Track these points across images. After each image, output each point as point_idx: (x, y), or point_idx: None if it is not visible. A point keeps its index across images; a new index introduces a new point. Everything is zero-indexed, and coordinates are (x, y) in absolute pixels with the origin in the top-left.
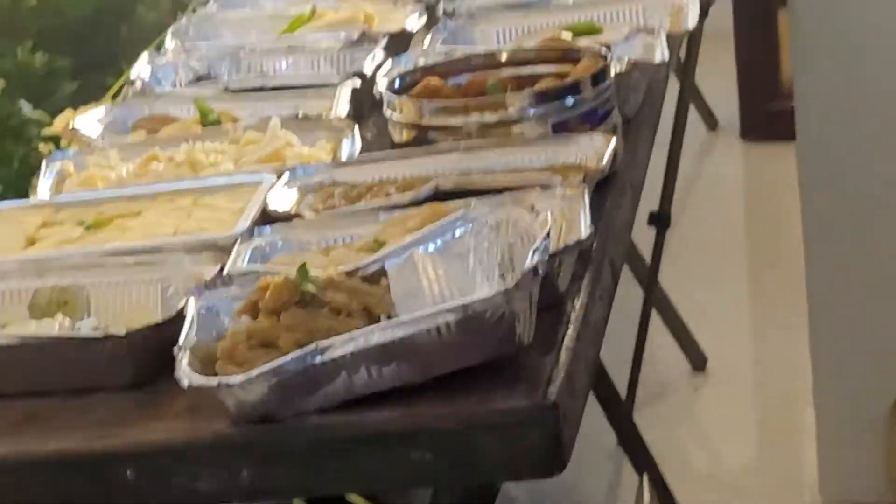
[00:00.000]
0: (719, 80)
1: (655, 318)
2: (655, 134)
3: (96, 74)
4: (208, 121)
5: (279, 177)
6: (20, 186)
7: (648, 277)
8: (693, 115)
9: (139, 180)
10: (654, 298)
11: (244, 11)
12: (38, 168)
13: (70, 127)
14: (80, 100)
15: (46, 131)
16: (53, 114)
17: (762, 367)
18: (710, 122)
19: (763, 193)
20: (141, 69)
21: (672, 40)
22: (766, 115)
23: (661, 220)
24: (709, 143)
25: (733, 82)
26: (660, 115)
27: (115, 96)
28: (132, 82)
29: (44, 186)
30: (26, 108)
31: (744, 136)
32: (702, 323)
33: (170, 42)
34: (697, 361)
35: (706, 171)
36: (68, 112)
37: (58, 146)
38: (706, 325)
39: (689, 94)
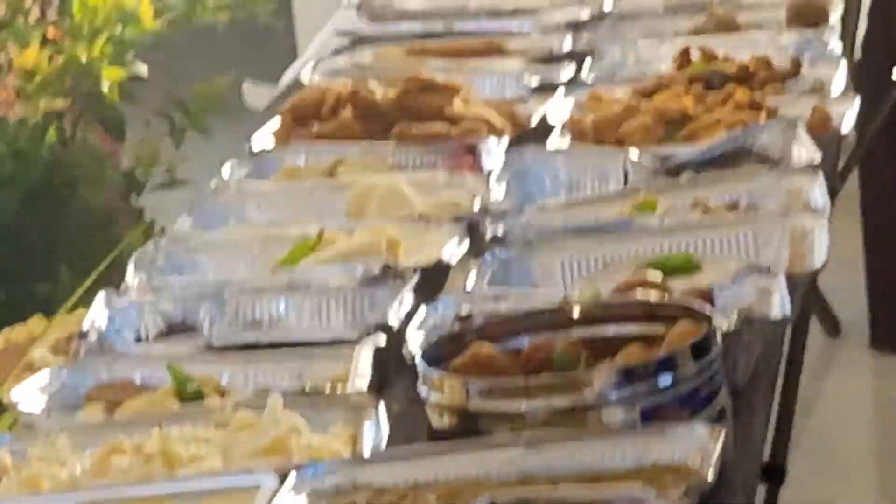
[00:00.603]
0: (841, 268)
1: None
2: (770, 409)
3: (26, 281)
4: (186, 394)
5: (283, 478)
6: None
7: None
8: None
9: (97, 480)
10: None
11: (228, 231)
12: None
13: None
14: (4, 318)
15: None
16: None
17: None
18: (831, 325)
19: None
20: (96, 315)
21: (794, 282)
22: None
23: (774, 473)
24: (829, 353)
25: (860, 273)
26: (775, 382)
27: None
28: (84, 334)
29: None
30: None
31: (875, 346)
32: None
33: (132, 276)
34: None
35: (825, 391)
36: None
37: None
38: None
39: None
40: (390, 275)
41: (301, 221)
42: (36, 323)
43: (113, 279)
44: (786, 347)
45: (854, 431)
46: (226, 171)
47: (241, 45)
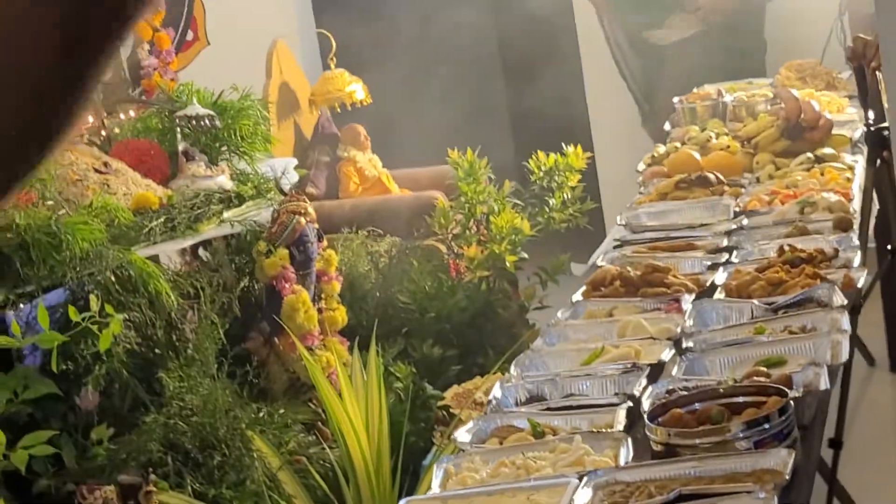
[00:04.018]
0: (874, 327)
1: None
2: (823, 433)
3: (472, 357)
4: (537, 433)
5: (581, 478)
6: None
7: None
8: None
9: (493, 480)
10: None
11: (560, 346)
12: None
13: (456, 395)
14: (463, 377)
15: (440, 402)
16: (444, 389)
17: None
18: (869, 359)
19: None
20: (496, 390)
21: (832, 370)
22: None
23: (836, 443)
24: (867, 376)
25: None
26: (825, 421)
27: (491, 373)
28: (489, 402)
29: (435, 482)
30: (428, 388)
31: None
32: None
33: (514, 369)
34: None
35: (866, 400)
36: (454, 387)
37: (447, 412)
38: None
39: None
40: (635, 369)
41: (595, 341)
42: (477, 380)
43: (513, 357)
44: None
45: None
46: (559, 313)
47: (571, 237)
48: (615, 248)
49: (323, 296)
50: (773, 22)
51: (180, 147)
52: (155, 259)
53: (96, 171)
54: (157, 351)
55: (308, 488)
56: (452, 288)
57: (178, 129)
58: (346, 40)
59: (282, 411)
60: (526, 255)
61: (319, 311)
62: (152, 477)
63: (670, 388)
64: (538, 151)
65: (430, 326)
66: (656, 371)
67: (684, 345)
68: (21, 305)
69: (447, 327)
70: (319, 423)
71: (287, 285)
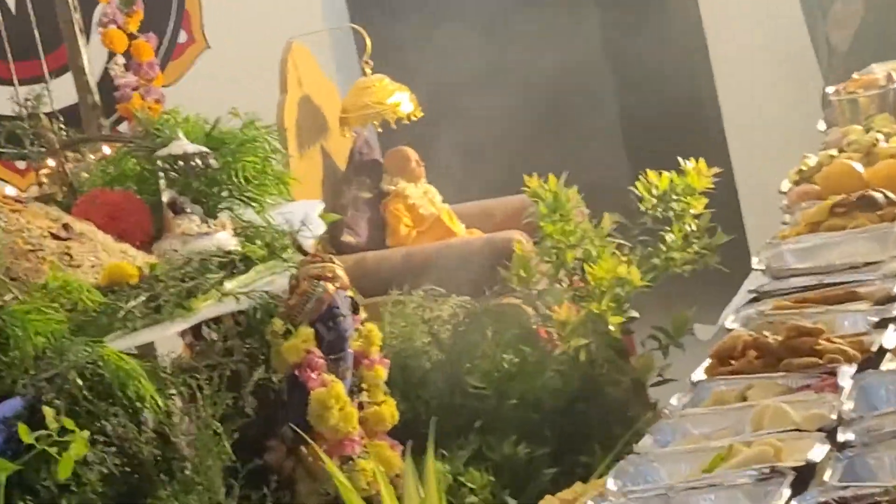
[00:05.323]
0: None
1: None
2: None
3: (572, 456)
4: None
5: None
6: None
7: None
8: None
9: None
10: None
11: (675, 445)
12: None
13: None
14: (560, 482)
15: None
16: (537, 498)
17: None
18: None
19: None
20: None
21: None
22: None
23: None
24: None
25: None
26: None
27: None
28: None
29: None
30: (512, 502)
31: None
32: None
33: (611, 482)
34: None
35: None
36: (548, 498)
37: None
38: None
39: None
40: (775, 475)
41: (721, 436)
42: (576, 487)
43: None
44: None
45: None
46: (674, 400)
47: (698, 285)
48: (750, 302)
49: (364, 385)
50: None
51: (165, 197)
52: (147, 348)
53: (54, 236)
54: (142, 474)
55: None
56: (541, 362)
57: (162, 173)
58: (388, 36)
59: None
60: (637, 314)
61: (360, 406)
62: None
63: (822, 500)
64: (647, 171)
65: (512, 416)
66: (804, 475)
67: (842, 437)
68: None
69: (536, 417)
70: None
71: (314, 375)
